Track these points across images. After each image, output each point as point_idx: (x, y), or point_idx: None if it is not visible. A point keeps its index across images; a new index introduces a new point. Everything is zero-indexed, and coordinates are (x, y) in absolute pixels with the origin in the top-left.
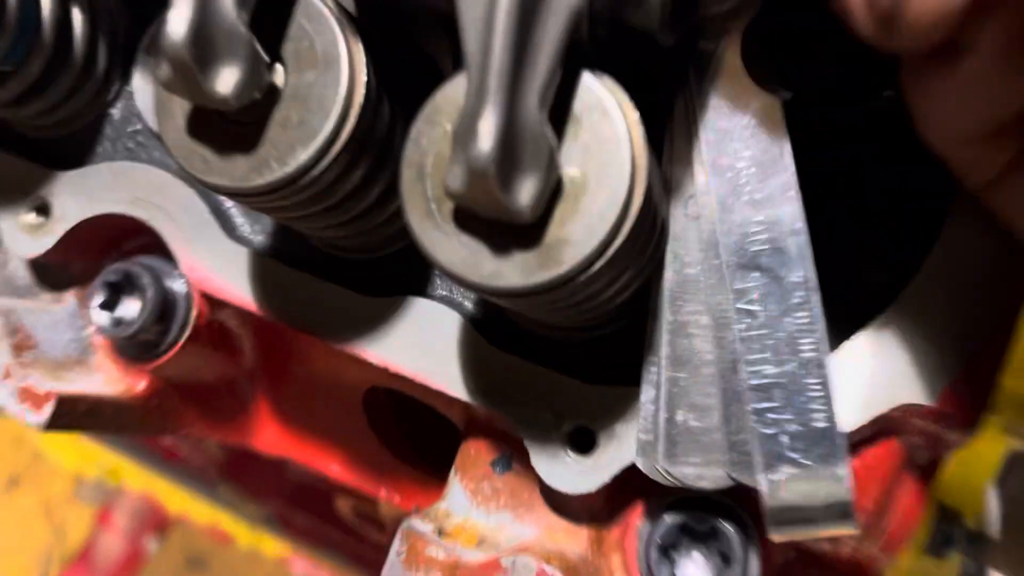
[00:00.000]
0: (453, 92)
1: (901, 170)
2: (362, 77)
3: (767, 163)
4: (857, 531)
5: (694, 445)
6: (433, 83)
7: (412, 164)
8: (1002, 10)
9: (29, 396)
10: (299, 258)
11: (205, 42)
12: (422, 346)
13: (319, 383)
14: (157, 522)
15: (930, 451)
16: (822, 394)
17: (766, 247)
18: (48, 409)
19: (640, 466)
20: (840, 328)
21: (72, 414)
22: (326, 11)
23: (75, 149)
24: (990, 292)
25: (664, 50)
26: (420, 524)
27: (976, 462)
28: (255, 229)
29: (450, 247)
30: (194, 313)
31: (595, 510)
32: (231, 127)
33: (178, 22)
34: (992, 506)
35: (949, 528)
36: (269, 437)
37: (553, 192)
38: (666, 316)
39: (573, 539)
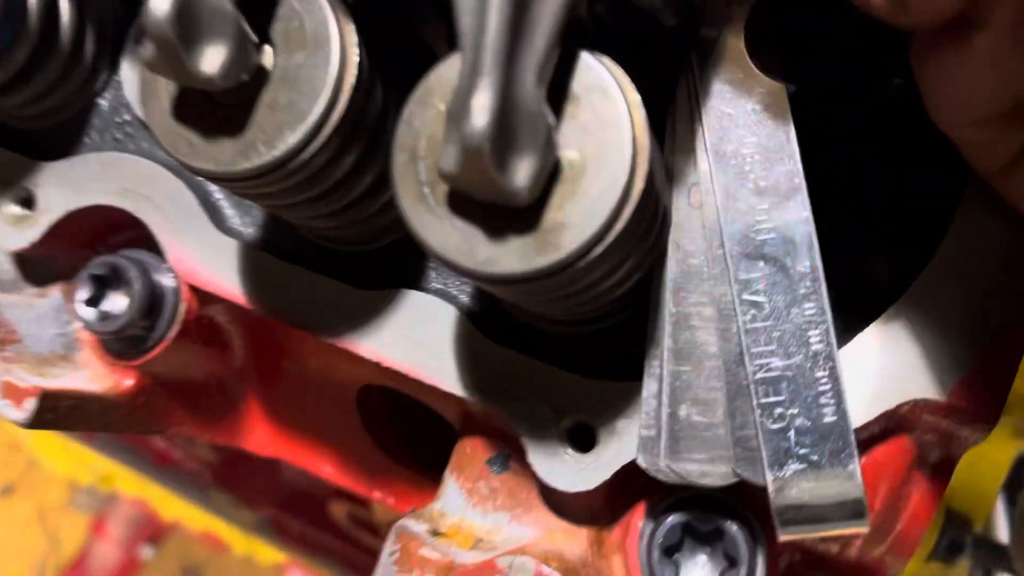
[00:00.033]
0: (447, 72)
1: (911, 159)
2: (353, 58)
3: (772, 149)
4: (868, 530)
5: (698, 441)
6: (428, 68)
7: (404, 147)
8: None
9: (11, 392)
10: (290, 250)
11: (190, 19)
12: (416, 340)
13: (311, 381)
14: (152, 530)
15: (942, 448)
16: (831, 387)
17: (772, 236)
18: (30, 405)
19: (641, 463)
20: (848, 321)
21: (55, 411)
22: None
23: (62, 139)
24: (1005, 283)
25: (666, 31)
26: (414, 524)
27: (985, 466)
28: (245, 221)
29: (444, 232)
30: (183, 308)
31: (595, 510)
32: (218, 110)
33: None
34: (1001, 512)
35: (958, 533)
36: (260, 437)
37: (551, 175)
38: (668, 308)
39: (572, 540)
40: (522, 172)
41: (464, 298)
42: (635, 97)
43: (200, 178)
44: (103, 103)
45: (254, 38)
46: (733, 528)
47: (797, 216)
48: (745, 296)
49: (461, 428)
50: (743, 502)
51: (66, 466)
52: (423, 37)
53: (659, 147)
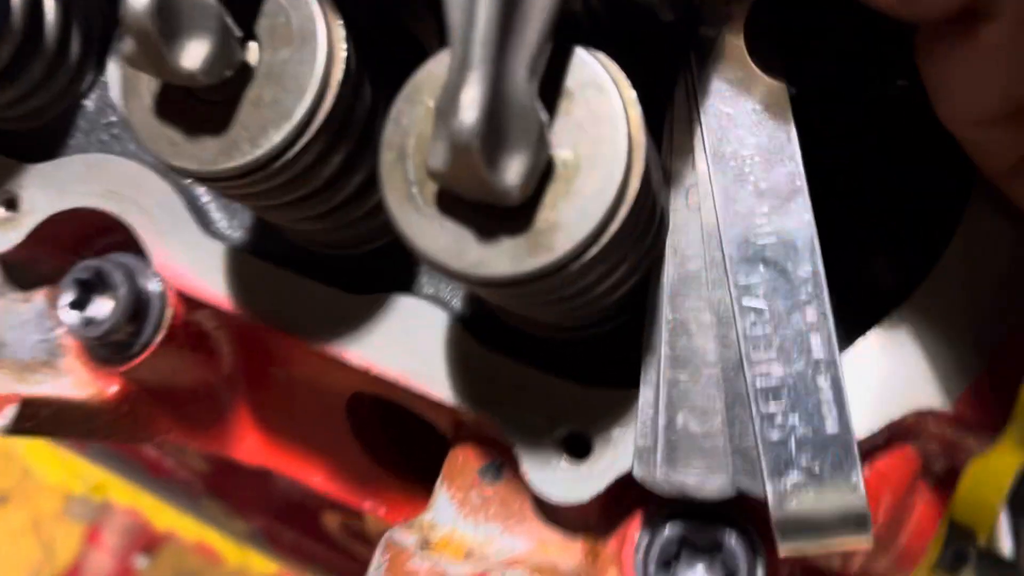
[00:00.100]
0: (437, 68)
1: (915, 160)
2: (341, 54)
3: (773, 150)
4: (872, 544)
5: (695, 451)
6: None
7: (392, 145)
8: None
9: None
10: (278, 254)
11: (170, 13)
12: (406, 346)
13: (301, 388)
14: (146, 540)
15: (947, 459)
16: (833, 396)
17: (772, 239)
18: (10, 412)
19: (637, 474)
20: (850, 328)
21: (37, 418)
22: None
23: (46, 141)
24: (1013, 288)
25: (663, 27)
26: (403, 535)
27: (989, 477)
28: (233, 224)
29: (432, 233)
30: (169, 313)
31: (590, 521)
32: (201, 107)
33: None
34: (1004, 524)
35: (962, 545)
36: (249, 445)
37: (544, 173)
38: (665, 313)
39: (566, 552)
40: (513, 170)
41: (456, 303)
42: (631, 94)
43: (187, 180)
44: (89, 104)
45: (238, 33)
46: (732, 540)
47: (798, 219)
48: (744, 301)
49: (453, 437)
50: (742, 513)
51: (58, 475)
52: (414, 35)
53: (656, 148)
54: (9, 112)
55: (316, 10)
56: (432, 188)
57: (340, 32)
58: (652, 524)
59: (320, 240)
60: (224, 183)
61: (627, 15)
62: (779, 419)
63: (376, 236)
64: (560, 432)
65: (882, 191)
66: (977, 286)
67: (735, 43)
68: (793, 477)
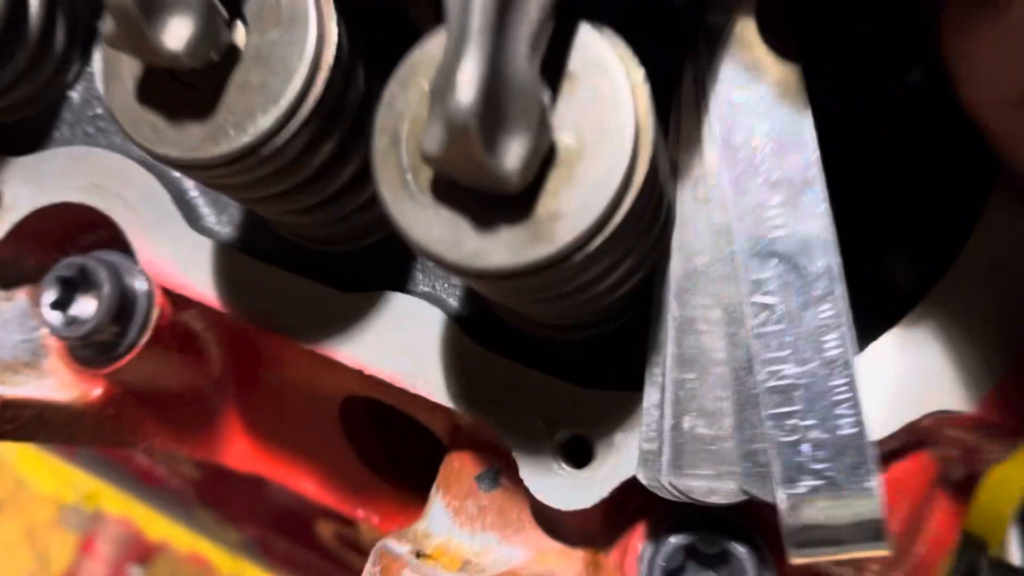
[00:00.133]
0: (432, 49)
1: (935, 151)
2: (332, 36)
3: (786, 139)
4: (889, 553)
5: (703, 455)
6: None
7: (385, 130)
8: None
9: None
10: (268, 251)
11: None
12: (401, 346)
13: (292, 391)
14: (140, 550)
15: (966, 465)
16: (849, 397)
17: (785, 232)
18: None
19: (642, 479)
20: (864, 327)
21: (18, 420)
22: None
23: (30, 134)
24: None
25: (671, 11)
26: (396, 544)
27: (1003, 488)
28: (222, 220)
29: (427, 222)
30: (155, 313)
31: (591, 530)
32: (185, 92)
33: None
34: (1015, 536)
35: (974, 556)
36: (238, 451)
37: (545, 159)
38: (672, 311)
39: (567, 563)
40: (513, 154)
41: (453, 301)
42: (639, 75)
43: (176, 175)
44: (74, 96)
45: (224, 14)
46: (741, 550)
47: (813, 211)
48: (755, 298)
49: (449, 442)
50: (751, 522)
51: (50, 484)
52: (410, 19)
53: (664, 137)
54: None
55: None
56: (427, 174)
57: (332, 13)
58: (656, 533)
59: (311, 235)
60: (209, 171)
61: None
62: (791, 421)
63: (370, 231)
64: (561, 436)
65: (898, 184)
66: (1000, 283)
67: (747, 26)
68: (806, 482)
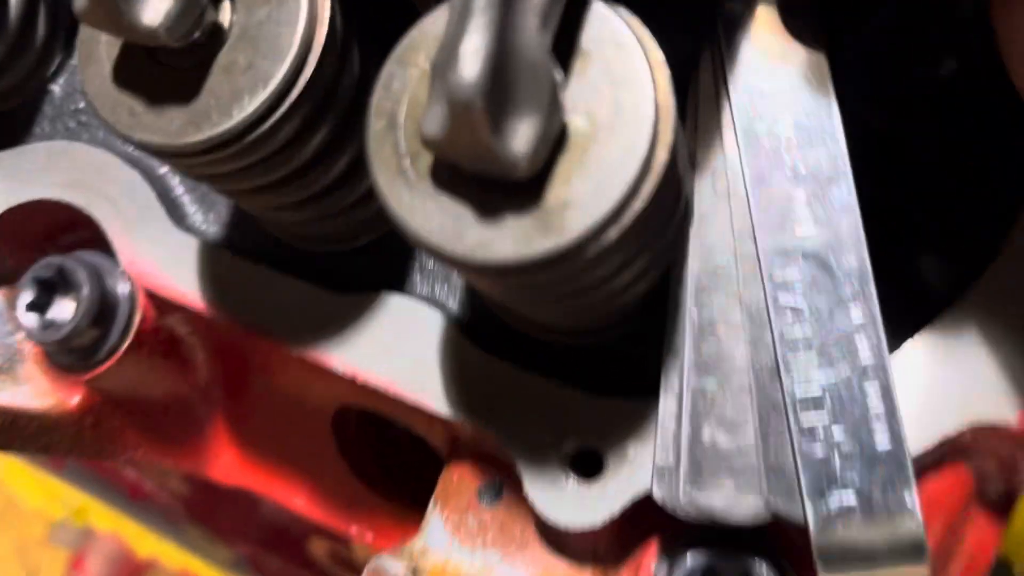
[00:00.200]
0: (432, 27)
1: (972, 142)
2: (325, 15)
3: (812, 129)
4: (928, 573)
5: (724, 469)
6: None
7: (382, 113)
8: None
9: None
10: (258, 250)
11: None
12: (397, 351)
13: (282, 401)
14: (130, 568)
15: (1005, 482)
16: (883, 406)
17: (812, 229)
18: None
19: (657, 496)
20: (897, 329)
21: None
22: None
23: (9, 128)
24: None
25: None
26: (391, 563)
27: None
28: (208, 218)
29: (427, 212)
30: (137, 316)
31: (600, 548)
32: (166, 74)
33: None
34: None
35: None
36: (226, 464)
37: (556, 143)
38: (690, 313)
39: None
40: (521, 136)
41: (452, 304)
42: (658, 55)
43: (162, 171)
44: (55, 89)
45: None
46: (763, 569)
47: (841, 206)
48: (781, 299)
49: (448, 454)
50: (774, 540)
51: (38, 498)
52: (414, 3)
53: (681, 127)
54: None
55: None
56: (427, 160)
57: None
58: (671, 552)
59: (303, 234)
60: (191, 159)
61: None
62: (821, 433)
63: (366, 229)
64: (568, 448)
65: (934, 178)
66: None
67: (768, 10)
68: (838, 499)
